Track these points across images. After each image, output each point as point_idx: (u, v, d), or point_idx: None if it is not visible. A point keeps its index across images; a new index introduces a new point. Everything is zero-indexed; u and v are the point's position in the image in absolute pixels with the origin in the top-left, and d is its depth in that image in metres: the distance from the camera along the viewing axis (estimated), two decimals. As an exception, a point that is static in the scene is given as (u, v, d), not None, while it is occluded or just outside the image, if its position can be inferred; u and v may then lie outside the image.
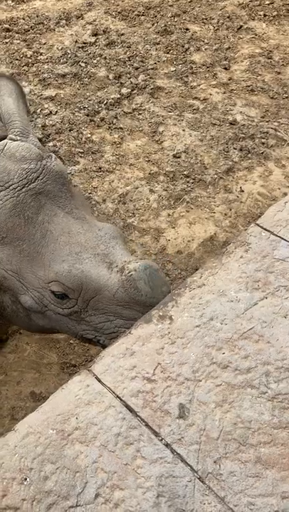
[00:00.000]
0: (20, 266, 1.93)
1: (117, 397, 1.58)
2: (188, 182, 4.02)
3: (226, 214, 3.84)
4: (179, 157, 4.19)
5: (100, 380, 1.62)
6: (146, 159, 4.17)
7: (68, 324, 2.01)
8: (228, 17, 5.57)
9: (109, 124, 4.42)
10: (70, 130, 4.35)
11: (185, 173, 4.07)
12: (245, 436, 1.48)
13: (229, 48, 5.20)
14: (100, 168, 4.12)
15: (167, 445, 1.48)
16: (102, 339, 1.97)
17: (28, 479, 1.41)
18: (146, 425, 1.51)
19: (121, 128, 4.40)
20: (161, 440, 1.49)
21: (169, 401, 1.56)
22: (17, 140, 2.09)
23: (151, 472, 1.43)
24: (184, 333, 1.71)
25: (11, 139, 2.10)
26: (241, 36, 5.34)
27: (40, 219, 1.93)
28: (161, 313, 1.78)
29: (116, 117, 4.45)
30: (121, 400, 1.57)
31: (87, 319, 1.95)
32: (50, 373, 3.17)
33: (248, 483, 1.40)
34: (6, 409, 3.04)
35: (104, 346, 1.99)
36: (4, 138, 2.15)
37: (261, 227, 2.03)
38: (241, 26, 5.43)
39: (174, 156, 4.19)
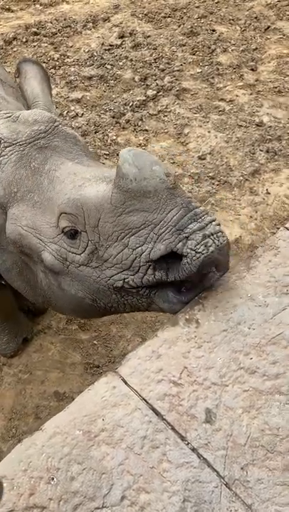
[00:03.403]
0: (35, 219, 1.92)
1: (143, 399, 1.58)
2: (213, 184, 4.00)
3: (251, 216, 3.80)
4: (204, 159, 4.17)
5: (126, 382, 1.62)
6: (171, 161, 4.17)
7: (94, 276, 1.86)
8: (256, 17, 5.53)
9: (135, 126, 4.43)
10: (95, 132, 4.39)
11: (210, 174, 4.04)
12: (273, 444, 1.46)
13: (256, 48, 5.15)
14: (125, 170, 4.14)
15: (194, 450, 1.47)
16: (129, 279, 1.80)
17: (55, 479, 1.42)
18: (173, 429, 1.51)
19: (146, 130, 4.41)
20: (188, 444, 1.48)
21: (195, 405, 1.55)
22: None
23: (178, 476, 1.42)
24: (210, 337, 1.70)
25: None
26: (269, 37, 5.29)
27: (47, 168, 1.94)
28: (187, 317, 1.77)
29: (141, 119, 4.47)
30: (147, 402, 1.57)
31: (106, 256, 1.81)
32: (73, 373, 3.20)
33: (275, 491, 1.38)
34: (30, 407, 3.08)
35: (142, 300, 1.85)
36: None
37: (290, 230, 2.00)
38: (269, 27, 5.38)
39: (199, 157, 4.17)
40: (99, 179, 1.85)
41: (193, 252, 1.67)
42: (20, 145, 1.97)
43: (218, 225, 1.74)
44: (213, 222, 1.72)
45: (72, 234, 1.84)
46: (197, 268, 1.67)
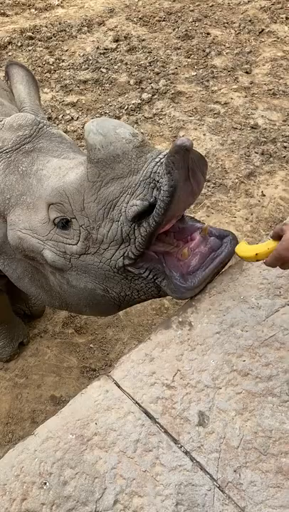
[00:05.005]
0: (30, 220, 1.93)
1: (136, 403, 1.57)
2: (208, 186, 4.00)
3: (247, 219, 3.80)
4: (199, 161, 4.17)
5: (119, 386, 1.62)
6: (167, 164, 4.17)
7: (96, 262, 1.84)
8: (250, 21, 5.55)
9: (130, 129, 4.44)
10: (91, 135, 4.38)
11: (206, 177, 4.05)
12: (266, 446, 1.46)
13: (251, 51, 5.17)
14: (121, 173, 4.14)
15: (186, 453, 1.46)
16: (128, 252, 1.77)
17: (47, 484, 1.42)
18: (166, 432, 1.50)
19: (142, 133, 4.42)
20: (181, 448, 1.47)
21: (188, 408, 1.55)
22: None
23: (170, 480, 1.42)
24: (203, 340, 1.70)
25: None
26: (263, 40, 5.31)
27: (35, 168, 1.95)
28: (180, 319, 1.77)
29: (137, 122, 4.47)
30: (140, 406, 1.57)
31: (100, 237, 1.79)
32: (70, 377, 3.19)
33: (268, 494, 1.37)
34: (27, 412, 3.07)
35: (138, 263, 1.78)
36: None
37: (283, 232, 2.00)
38: (263, 30, 5.40)
39: (195, 160, 4.17)
40: (79, 164, 1.85)
41: (161, 178, 1.59)
42: (6, 152, 1.98)
43: None
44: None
45: (64, 224, 1.84)
46: (169, 187, 1.57)
